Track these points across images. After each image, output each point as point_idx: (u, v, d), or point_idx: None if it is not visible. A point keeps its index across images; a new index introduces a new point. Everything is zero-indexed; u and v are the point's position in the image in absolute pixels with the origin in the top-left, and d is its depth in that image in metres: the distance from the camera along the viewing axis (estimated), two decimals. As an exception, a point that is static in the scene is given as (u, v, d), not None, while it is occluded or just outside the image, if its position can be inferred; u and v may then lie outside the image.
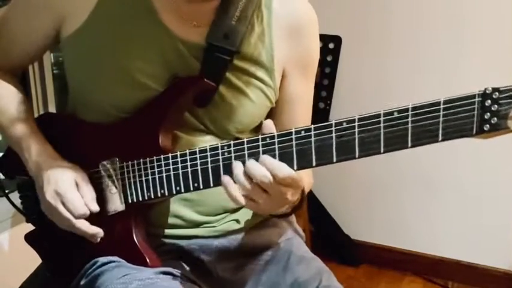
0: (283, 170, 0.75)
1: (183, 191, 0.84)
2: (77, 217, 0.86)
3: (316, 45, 0.98)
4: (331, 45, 2.18)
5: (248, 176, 0.75)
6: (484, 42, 2.00)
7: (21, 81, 1.72)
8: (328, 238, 2.36)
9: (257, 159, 0.76)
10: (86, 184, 0.89)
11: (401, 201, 2.29)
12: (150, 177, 0.86)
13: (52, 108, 1.85)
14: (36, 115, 1.01)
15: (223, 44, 0.87)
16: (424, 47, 2.10)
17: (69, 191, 0.86)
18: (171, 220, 0.93)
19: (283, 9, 0.92)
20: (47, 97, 1.85)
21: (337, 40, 2.19)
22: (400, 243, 2.33)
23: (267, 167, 0.75)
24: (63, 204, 0.86)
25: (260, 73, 0.91)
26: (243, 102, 0.91)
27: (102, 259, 0.90)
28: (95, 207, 0.88)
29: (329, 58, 2.18)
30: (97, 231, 0.88)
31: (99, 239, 0.89)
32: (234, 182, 0.77)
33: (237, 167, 0.77)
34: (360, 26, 2.19)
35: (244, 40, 0.89)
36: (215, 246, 0.95)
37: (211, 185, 0.82)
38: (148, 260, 0.87)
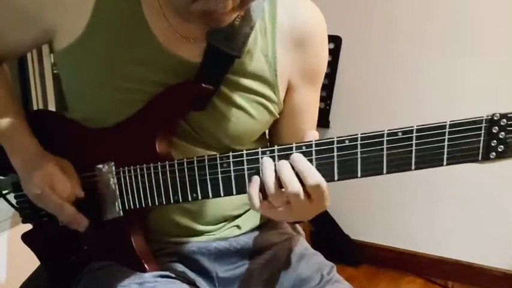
0: (315, 177, 0.71)
1: (181, 200, 0.83)
2: (65, 199, 0.86)
3: (325, 52, 0.94)
4: (331, 45, 2.18)
5: (278, 180, 0.72)
6: (488, 42, 1.99)
7: (20, 80, 1.74)
8: (328, 238, 2.36)
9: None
10: (71, 170, 0.89)
11: (401, 201, 2.29)
12: (147, 184, 0.84)
13: (52, 108, 1.85)
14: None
15: (224, 47, 0.83)
16: (424, 47, 2.09)
17: (56, 173, 0.86)
18: (171, 229, 0.93)
19: (289, 20, 0.88)
20: (47, 97, 1.85)
21: (337, 40, 2.19)
22: (400, 243, 2.33)
23: (299, 169, 0.71)
24: (51, 187, 0.85)
25: (263, 89, 0.88)
26: (243, 119, 0.89)
27: (101, 263, 0.90)
28: (80, 193, 0.88)
29: (329, 58, 2.18)
30: (83, 220, 0.88)
31: (83, 230, 0.88)
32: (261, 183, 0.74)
33: (269, 167, 0.74)
34: (360, 26, 2.19)
35: (246, 53, 0.85)
36: (214, 247, 0.94)
37: (210, 196, 0.80)
38: (146, 266, 0.87)
